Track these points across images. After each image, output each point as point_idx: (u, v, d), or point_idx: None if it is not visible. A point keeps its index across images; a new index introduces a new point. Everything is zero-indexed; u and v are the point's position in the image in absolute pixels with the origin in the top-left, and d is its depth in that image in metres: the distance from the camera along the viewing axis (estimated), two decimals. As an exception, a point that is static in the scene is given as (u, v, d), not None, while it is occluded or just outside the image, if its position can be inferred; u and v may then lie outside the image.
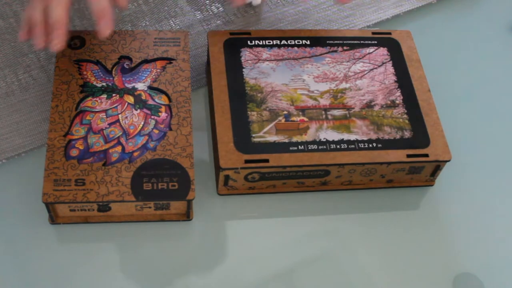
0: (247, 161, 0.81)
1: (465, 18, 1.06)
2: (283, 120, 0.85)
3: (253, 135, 0.83)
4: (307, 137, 0.84)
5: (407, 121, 0.86)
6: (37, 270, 0.78)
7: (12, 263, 0.78)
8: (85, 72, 0.86)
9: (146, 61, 0.88)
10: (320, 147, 0.83)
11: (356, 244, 0.83)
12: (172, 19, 0.99)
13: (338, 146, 0.83)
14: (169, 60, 0.89)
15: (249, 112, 0.85)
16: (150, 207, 0.81)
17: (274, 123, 0.85)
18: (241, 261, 0.81)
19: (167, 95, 0.86)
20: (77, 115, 0.83)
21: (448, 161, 0.84)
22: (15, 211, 0.81)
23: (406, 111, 0.87)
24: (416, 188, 0.88)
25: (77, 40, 0.89)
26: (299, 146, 0.83)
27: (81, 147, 0.81)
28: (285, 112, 0.86)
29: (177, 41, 0.90)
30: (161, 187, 0.79)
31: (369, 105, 0.88)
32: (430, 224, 0.86)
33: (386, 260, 0.82)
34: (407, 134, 0.85)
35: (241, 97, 0.86)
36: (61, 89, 0.85)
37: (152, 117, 0.84)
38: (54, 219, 0.80)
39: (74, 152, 0.80)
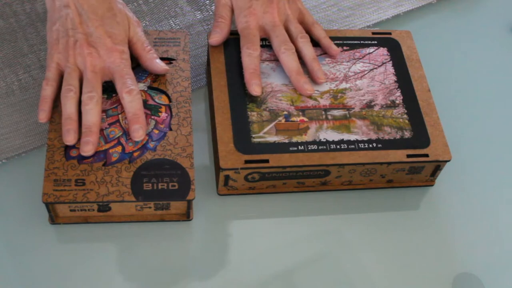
0: (247, 162, 0.81)
1: (465, 18, 1.06)
2: (283, 120, 0.85)
3: (253, 135, 0.83)
4: (307, 137, 0.84)
5: (407, 121, 0.86)
6: (37, 270, 0.78)
7: (12, 263, 0.78)
8: (85, 72, 0.86)
9: (146, 61, 0.88)
10: (320, 147, 0.83)
11: (356, 244, 0.83)
12: (172, 19, 0.99)
13: (338, 146, 0.83)
14: (169, 60, 0.89)
15: (249, 112, 0.85)
16: (150, 207, 0.81)
17: (274, 123, 0.85)
18: (241, 261, 0.81)
19: (167, 95, 0.86)
20: (77, 115, 0.83)
21: (448, 161, 0.84)
22: (15, 211, 0.81)
23: (406, 111, 0.87)
24: (416, 188, 0.88)
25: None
26: (299, 147, 0.83)
27: (81, 147, 0.81)
28: (285, 112, 0.86)
29: (177, 41, 0.90)
30: (161, 187, 0.79)
31: (369, 105, 0.88)
32: (430, 224, 0.86)
33: (386, 260, 0.82)
34: (407, 134, 0.85)
35: (241, 97, 0.86)
36: (61, 89, 0.85)
37: (152, 117, 0.84)
38: (54, 219, 0.80)
39: (74, 152, 0.80)
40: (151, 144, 0.82)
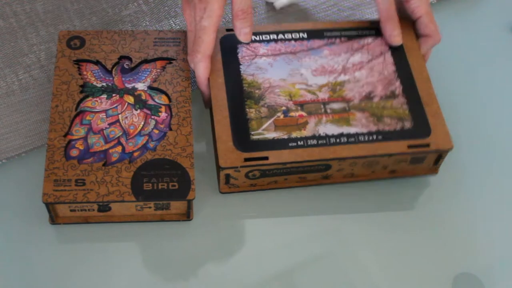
0: (246, 159, 0.81)
1: (465, 18, 1.06)
2: (281, 116, 0.85)
3: (252, 132, 0.83)
4: (306, 132, 0.84)
5: (407, 112, 0.86)
6: (37, 271, 0.78)
7: (12, 263, 0.78)
8: (85, 72, 0.86)
9: (146, 61, 0.88)
10: (319, 141, 0.83)
11: (356, 243, 0.83)
12: (172, 19, 0.99)
13: (337, 140, 0.83)
14: (169, 60, 0.89)
15: (247, 109, 0.85)
16: (150, 207, 0.81)
17: (272, 119, 0.84)
18: (243, 260, 0.81)
19: (167, 95, 0.86)
20: (77, 115, 0.83)
21: (450, 149, 0.83)
22: (15, 212, 0.81)
23: (406, 101, 0.87)
24: (416, 186, 0.88)
25: (77, 40, 0.89)
26: (299, 142, 0.83)
27: (81, 147, 0.81)
28: (284, 108, 0.85)
29: (177, 41, 0.90)
30: (161, 187, 0.79)
31: (368, 97, 0.87)
32: (430, 223, 0.85)
33: (387, 260, 0.82)
34: (408, 125, 0.85)
35: (239, 94, 0.86)
36: (61, 89, 0.85)
37: (152, 117, 0.84)
38: (54, 219, 0.80)
39: (74, 152, 0.80)
40: (151, 144, 0.82)
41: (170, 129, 0.83)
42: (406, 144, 0.83)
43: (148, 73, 0.87)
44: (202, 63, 0.85)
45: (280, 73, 0.89)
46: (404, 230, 0.85)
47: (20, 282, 0.77)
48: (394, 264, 0.82)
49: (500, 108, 0.97)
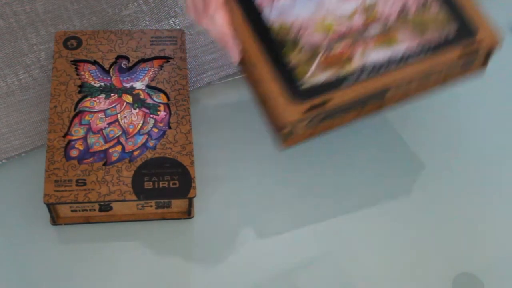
0: (307, 110, 0.76)
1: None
2: (324, 56, 0.78)
3: (301, 80, 0.77)
4: (354, 65, 0.78)
5: (447, 16, 0.81)
6: (39, 272, 0.78)
7: (13, 265, 0.79)
8: (82, 73, 0.86)
9: (143, 60, 0.88)
10: (370, 72, 0.78)
11: (357, 244, 0.83)
12: (172, 19, 0.99)
13: (388, 66, 0.78)
14: (166, 58, 0.89)
15: (287, 58, 0.78)
16: (151, 206, 0.81)
17: (316, 61, 0.78)
18: (244, 258, 0.81)
19: (165, 93, 0.86)
20: (76, 115, 0.83)
21: (500, 43, 0.80)
22: (15, 212, 0.82)
23: (442, 4, 0.82)
24: (416, 186, 0.87)
25: (74, 40, 0.89)
26: (350, 78, 0.77)
27: (81, 147, 0.81)
28: (323, 46, 0.79)
29: (173, 39, 0.90)
30: (162, 186, 0.79)
31: (403, 11, 0.81)
32: (430, 223, 0.85)
33: (387, 260, 0.82)
34: (452, 30, 0.80)
35: (272, 44, 0.79)
36: (59, 90, 0.85)
37: (151, 116, 0.84)
38: (55, 220, 0.80)
39: (74, 153, 0.80)
40: (150, 143, 0.82)
41: (170, 128, 0.83)
42: (457, 49, 0.79)
43: (145, 72, 0.87)
44: (218, 12, 0.76)
45: (306, 10, 0.81)
46: (404, 230, 0.84)
47: (22, 284, 0.78)
48: (394, 264, 0.82)
49: (500, 108, 0.96)
